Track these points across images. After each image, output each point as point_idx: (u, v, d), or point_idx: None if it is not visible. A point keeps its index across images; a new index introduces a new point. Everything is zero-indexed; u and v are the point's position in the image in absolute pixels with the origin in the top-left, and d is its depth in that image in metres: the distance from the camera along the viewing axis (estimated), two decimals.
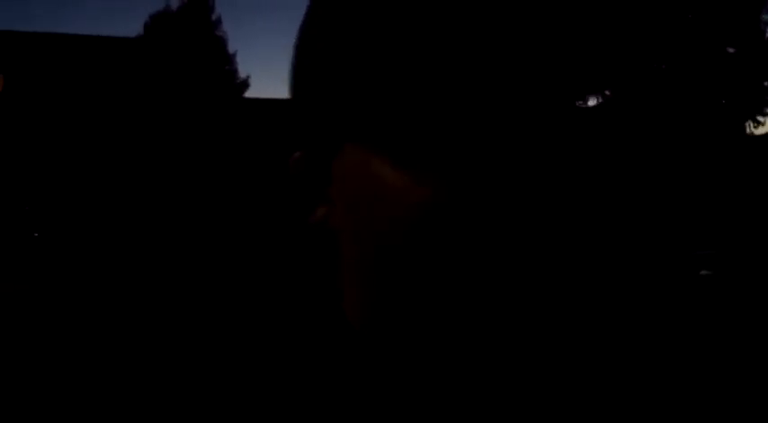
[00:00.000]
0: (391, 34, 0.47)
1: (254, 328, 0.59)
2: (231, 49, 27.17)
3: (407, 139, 0.46)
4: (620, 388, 0.55)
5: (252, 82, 26.90)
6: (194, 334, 0.60)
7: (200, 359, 0.57)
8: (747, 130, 24.51)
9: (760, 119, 24.43)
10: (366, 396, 0.52)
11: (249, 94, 26.84)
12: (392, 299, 0.51)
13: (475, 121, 0.46)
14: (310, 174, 0.53)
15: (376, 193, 0.48)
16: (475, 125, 0.45)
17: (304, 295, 0.60)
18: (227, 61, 26.08)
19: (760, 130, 24.65)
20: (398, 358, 0.52)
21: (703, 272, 13.05)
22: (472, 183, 0.46)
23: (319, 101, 0.52)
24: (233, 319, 0.61)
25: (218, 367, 0.56)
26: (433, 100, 0.46)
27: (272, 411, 0.53)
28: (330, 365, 0.54)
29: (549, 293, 0.50)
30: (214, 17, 26.08)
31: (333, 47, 0.50)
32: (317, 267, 0.60)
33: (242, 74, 27.29)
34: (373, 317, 0.53)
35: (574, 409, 0.53)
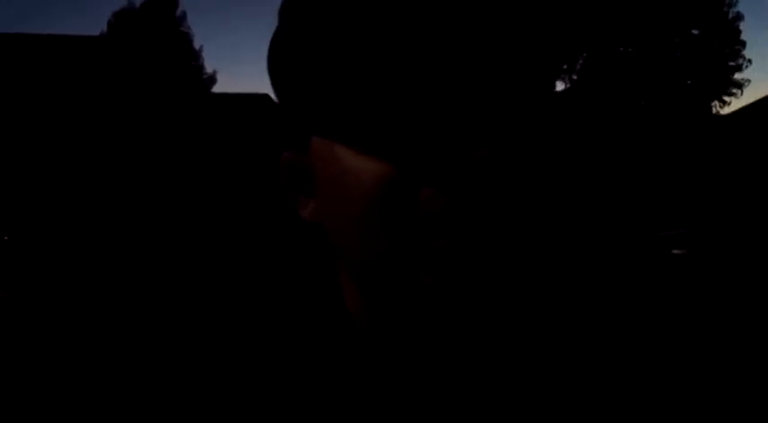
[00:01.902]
0: (341, 32, 0.49)
1: (259, 326, 0.60)
2: (197, 44, 27.04)
3: (361, 125, 0.48)
4: (601, 377, 0.55)
5: (219, 77, 26.77)
6: (196, 335, 0.60)
7: (204, 360, 0.57)
8: (714, 111, 24.86)
9: (726, 99, 24.79)
10: (372, 392, 0.53)
11: (216, 88, 26.72)
12: (379, 287, 0.52)
13: (419, 100, 0.47)
14: (297, 169, 0.55)
15: (338, 175, 0.50)
16: (420, 104, 0.47)
17: (309, 292, 0.61)
18: (193, 57, 25.96)
19: (726, 110, 25.00)
20: (403, 355, 0.53)
21: (676, 251, 13.22)
22: (421, 159, 0.47)
23: (289, 99, 0.54)
24: (237, 319, 0.61)
25: (224, 367, 0.57)
26: (379, 87, 0.47)
27: (279, 409, 0.54)
28: (336, 363, 0.55)
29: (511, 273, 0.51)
30: (178, 13, 25.95)
31: (294, 47, 0.52)
32: (318, 264, 0.61)
33: (209, 69, 27.18)
34: (371, 312, 0.54)
35: (568, 405, 0.53)
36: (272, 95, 0.58)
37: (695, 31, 24.22)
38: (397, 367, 0.53)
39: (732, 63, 24.57)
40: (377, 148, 0.48)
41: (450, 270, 0.48)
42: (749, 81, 25.11)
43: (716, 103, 24.82)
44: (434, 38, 0.47)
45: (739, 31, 24.53)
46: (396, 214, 0.48)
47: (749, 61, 24.64)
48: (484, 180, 0.46)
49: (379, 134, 0.48)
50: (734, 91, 24.81)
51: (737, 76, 24.75)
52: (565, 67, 24.42)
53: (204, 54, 26.23)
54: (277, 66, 0.55)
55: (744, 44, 24.56)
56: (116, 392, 0.56)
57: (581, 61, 24.13)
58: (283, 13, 0.55)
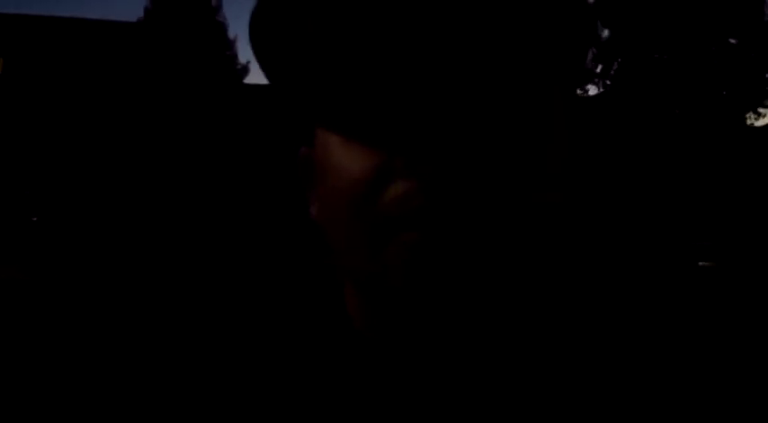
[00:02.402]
0: (334, 31, 0.48)
1: (259, 328, 0.59)
2: (231, 34, 27.09)
3: (353, 118, 0.47)
4: (620, 387, 0.54)
5: (252, 67, 26.80)
6: (198, 332, 0.59)
7: (205, 361, 0.57)
8: (748, 122, 24.50)
9: (761, 110, 24.42)
10: (370, 395, 0.52)
11: (249, 79, 26.77)
12: (367, 291, 0.51)
13: (408, 99, 0.45)
14: (309, 166, 0.54)
15: (330, 168, 0.49)
16: (408, 94, 0.45)
17: (312, 294, 0.60)
18: (227, 47, 25.99)
19: (761, 122, 24.64)
20: (399, 358, 0.52)
21: (702, 263, 13.07)
22: (405, 151, 0.46)
23: (290, 91, 0.52)
24: (238, 320, 0.60)
25: (224, 369, 0.56)
26: (367, 74, 0.46)
27: (276, 410, 0.53)
28: (333, 367, 0.54)
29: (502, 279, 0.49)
30: (214, 2, 25.97)
31: (282, 31, 0.51)
32: (321, 265, 0.59)
33: (242, 59, 27.20)
34: (365, 314, 0.54)
35: (572, 408, 0.52)
36: None
37: (732, 40, 23.89)
38: (393, 371, 0.52)
39: None
40: (369, 140, 0.47)
41: (422, 267, 0.46)
42: None
43: (750, 114, 24.47)
44: (425, 35, 0.46)
45: None
46: (373, 213, 0.47)
47: None
48: (467, 178, 0.45)
49: (365, 122, 0.47)
50: None
51: None
52: (598, 70, 24.20)
53: (238, 44, 26.19)
54: (264, 49, 0.53)
55: None
56: (115, 390, 0.55)
57: (615, 66, 23.90)
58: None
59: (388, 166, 0.46)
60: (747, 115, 24.39)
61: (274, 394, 0.53)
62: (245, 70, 26.45)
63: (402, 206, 0.46)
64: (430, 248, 0.46)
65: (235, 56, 26.28)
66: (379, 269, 0.48)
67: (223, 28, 26.13)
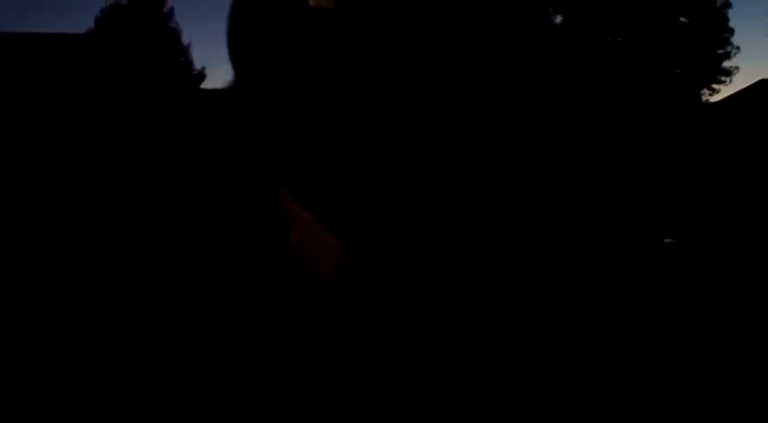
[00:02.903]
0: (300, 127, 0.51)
1: (248, 323, 0.61)
2: (185, 40, 26.92)
3: (319, 201, 0.51)
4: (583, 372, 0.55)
5: (208, 72, 26.65)
6: (191, 331, 0.61)
7: (199, 356, 0.59)
8: (703, 99, 24.91)
9: (715, 87, 24.84)
10: (361, 396, 0.54)
11: (205, 85, 26.63)
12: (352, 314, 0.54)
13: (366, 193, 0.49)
14: (277, 201, 0.57)
15: (305, 236, 0.53)
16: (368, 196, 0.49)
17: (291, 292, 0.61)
18: (181, 53, 25.84)
19: (715, 98, 25.06)
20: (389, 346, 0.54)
21: (666, 240, 13.27)
22: (371, 242, 0.49)
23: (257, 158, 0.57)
24: (228, 316, 0.62)
25: (218, 363, 0.58)
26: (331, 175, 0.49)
27: (267, 405, 0.55)
28: (321, 362, 0.56)
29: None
30: (166, 9, 25.81)
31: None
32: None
33: (197, 65, 27.04)
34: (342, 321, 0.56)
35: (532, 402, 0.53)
36: None
37: (683, 19, 24.25)
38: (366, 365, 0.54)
39: (720, 51, 24.62)
40: (332, 228, 0.50)
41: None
42: (738, 68, 25.18)
43: (705, 91, 24.88)
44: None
45: (727, 19, 24.57)
46: (354, 287, 0.51)
47: (737, 48, 24.71)
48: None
49: (332, 215, 0.50)
50: (723, 79, 24.87)
51: (726, 63, 24.82)
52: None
53: (193, 50, 26.06)
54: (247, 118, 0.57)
55: (732, 31, 24.62)
56: (113, 388, 0.56)
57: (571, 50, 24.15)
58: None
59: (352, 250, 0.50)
60: (702, 92, 24.80)
61: (263, 387, 0.55)
62: (201, 76, 26.32)
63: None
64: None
65: (190, 62, 26.14)
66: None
67: (176, 35, 25.98)
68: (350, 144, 0.48)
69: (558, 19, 24.12)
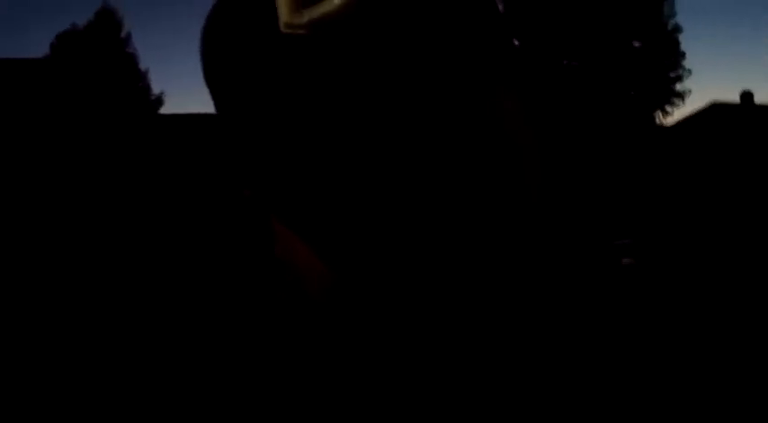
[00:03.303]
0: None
1: (243, 325, 0.62)
2: (143, 66, 26.76)
3: (307, 226, 0.51)
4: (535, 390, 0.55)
5: (166, 98, 26.48)
6: (189, 331, 0.62)
7: (196, 356, 0.59)
8: (657, 121, 25.38)
9: (668, 109, 25.34)
10: (359, 391, 0.54)
11: (164, 110, 26.44)
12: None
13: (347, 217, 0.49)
14: (260, 214, 0.57)
15: (293, 257, 0.54)
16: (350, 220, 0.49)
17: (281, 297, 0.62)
18: (139, 78, 25.66)
19: (669, 120, 25.56)
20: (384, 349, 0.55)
21: (626, 260, 13.42)
22: (358, 263, 0.50)
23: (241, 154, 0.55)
24: (222, 317, 0.63)
25: (213, 363, 0.58)
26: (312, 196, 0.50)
27: (265, 405, 0.54)
28: (317, 365, 0.56)
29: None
30: (123, 34, 25.64)
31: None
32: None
33: (155, 90, 26.85)
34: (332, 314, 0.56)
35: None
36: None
37: (636, 44, 24.74)
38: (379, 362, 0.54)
39: (673, 74, 25.15)
40: (319, 254, 0.51)
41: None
42: (690, 91, 25.74)
43: (659, 113, 25.37)
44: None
45: (678, 43, 25.14)
46: (342, 312, 0.52)
47: (689, 71, 25.27)
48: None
49: (319, 240, 0.50)
50: (676, 101, 25.39)
51: (679, 86, 25.35)
52: None
53: (151, 76, 25.88)
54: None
55: (683, 55, 25.19)
56: (114, 389, 0.55)
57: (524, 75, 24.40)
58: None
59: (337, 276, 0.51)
60: (656, 114, 25.28)
61: (260, 387, 0.55)
62: (159, 101, 26.14)
63: None
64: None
65: (148, 87, 25.96)
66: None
67: (134, 59, 25.79)
68: (330, 161, 0.49)
69: (516, 43, 24.39)
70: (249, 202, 0.55)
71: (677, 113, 25.89)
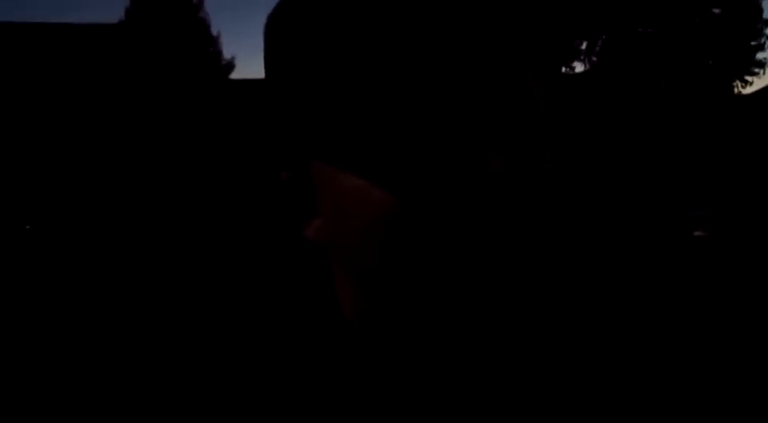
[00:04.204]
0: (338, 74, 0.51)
1: (252, 324, 0.61)
2: (214, 30, 27.06)
3: (362, 157, 0.50)
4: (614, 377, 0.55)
5: (237, 63, 26.76)
6: (191, 329, 0.62)
7: (197, 355, 0.59)
8: (736, 90, 24.58)
9: (748, 78, 24.51)
10: (363, 391, 0.54)
11: (235, 75, 26.72)
12: (379, 302, 0.54)
13: (415, 143, 0.49)
14: (297, 190, 0.57)
15: (341, 200, 0.52)
16: (415, 146, 0.49)
17: (302, 291, 0.63)
18: (210, 43, 25.95)
19: (748, 90, 24.72)
20: (395, 354, 0.55)
21: (698, 233, 13.12)
22: (418, 192, 0.49)
23: (288, 125, 0.56)
24: (230, 315, 0.62)
25: (215, 362, 0.58)
26: (376, 126, 0.50)
27: (270, 406, 0.54)
28: (329, 361, 0.56)
29: (522, 285, 0.52)
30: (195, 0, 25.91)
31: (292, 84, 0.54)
32: (312, 268, 0.63)
33: (227, 55, 27.13)
34: (366, 317, 0.56)
35: (564, 404, 0.53)
36: None
37: (716, 10, 23.93)
38: (387, 366, 0.55)
39: (754, 42, 24.28)
40: (378, 181, 0.50)
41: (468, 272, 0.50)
42: None
43: (738, 82, 24.55)
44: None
45: (761, 10, 24.21)
46: (398, 236, 0.50)
47: None
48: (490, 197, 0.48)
49: (377, 168, 0.50)
50: (756, 70, 24.53)
51: (759, 55, 24.48)
52: (583, 47, 24.21)
53: (222, 40, 26.13)
54: (277, 90, 0.57)
55: (766, 23, 24.26)
56: (112, 388, 0.57)
57: (600, 43, 23.92)
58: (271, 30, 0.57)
59: (396, 200, 0.50)
60: (735, 84, 24.47)
61: (268, 387, 0.56)
62: (230, 66, 26.41)
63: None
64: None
65: (219, 52, 26.24)
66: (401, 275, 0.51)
67: (205, 25, 26.07)
68: (384, 101, 0.49)
69: (590, 13, 23.89)
70: (287, 185, 0.57)
71: (757, 83, 25.03)
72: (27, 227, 21.35)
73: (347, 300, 0.57)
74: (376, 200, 0.49)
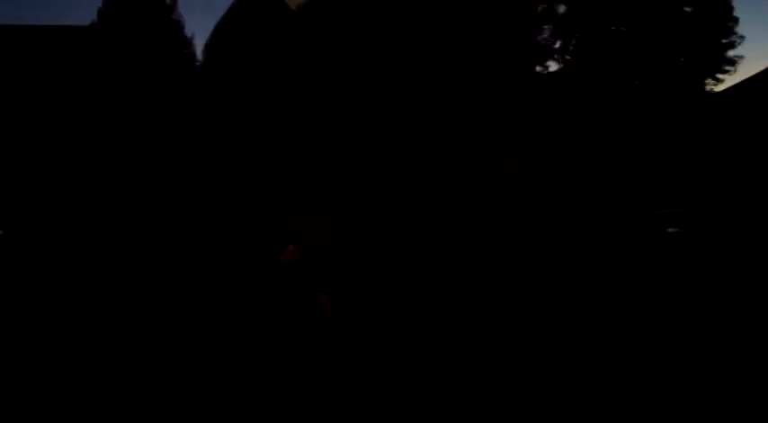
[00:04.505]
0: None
1: (240, 325, 0.64)
2: (188, 32, 26.92)
3: (315, 203, 0.55)
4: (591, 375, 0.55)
5: None
6: (183, 332, 0.62)
7: (190, 357, 0.60)
8: (707, 88, 24.82)
9: (719, 76, 24.76)
10: (347, 387, 0.56)
11: None
12: (351, 308, 0.57)
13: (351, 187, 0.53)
14: (262, 223, 0.61)
15: (310, 240, 0.57)
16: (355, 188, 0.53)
17: (284, 293, 0.66)
18: (185, 45, 25.80)
19: (720, 87, 24.96)
20: (376, 350, 0.57)
21: (671, 229, 13.24)
22: (360, 225, 0.53)
23: (258, 180, 0.60)
24: (221, 318, 0.66)
25: (207, 364, 0.60)
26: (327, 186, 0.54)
27: (258, 405, 0.57)
28: (312, 359, 0.59)
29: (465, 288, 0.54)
30: (168, 1, 25.76)
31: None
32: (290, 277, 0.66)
33: (200, 57, 26.99)
34: (345, 320, 0.59)
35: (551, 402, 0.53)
36: None
37: (687, 9, 24.15)
38: (369, 362, 0.56)
39: (725, 40, 24.53)
40: (336, 222, 0.54)
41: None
42: (742, 57, 25.12)
43: (709, 80, 24.79)
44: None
45: (732, 8, 24.47)
46: (358, 258, 0.54)
47: (742, 38, 24.62)
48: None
49: (335, 211, 0.54)
50: (727, 68, 24.79)
51: (731, 53, 24.74)
52: (557, 46, 24.34)
53: (196, 42, 25.98)
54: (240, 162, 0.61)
55: (736, 20, 24.53)
56: (111, 386, 0.57)
57: (574, 41, 24.06)
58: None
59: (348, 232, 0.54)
60: (706, 82, 24.71)
61: (257, 386, 0.58)
62: None
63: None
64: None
65: (193, 54, 26.09)
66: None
67: (179, 26, 25.92)
68: (336, 140, 0.52)
69: (562, 9, 24.03)
70: (251, 215, 0.60)
71: (729, 80, 25.30)
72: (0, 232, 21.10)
73: (328, 306, 0.60)
74: (333, 235, 0.54)
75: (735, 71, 25.14)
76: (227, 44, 0.57)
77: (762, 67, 25.44)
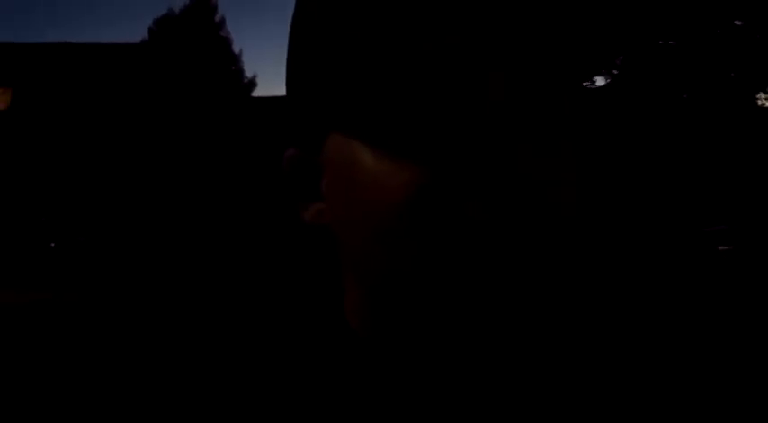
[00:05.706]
0: (369, 30, 0.45)
1: (256, 330, 0.58)
2: (236, 48, 27.23)
3: (386, 127, 0.45)
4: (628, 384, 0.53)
5: (259, 81, 26.86)
6: (200, 339, 0.59)
7: (203, 364, 0.56)
8: (759, 103, 24.30)
9: None
10: (367, 400, 0.51)
11: (257, 93, 26.87)
12: (389, 297, 0.49)
13: (449, 110, 0.43)
14: (302, 169, 0.52)
15: (359, 179, 0.46)
16: (449, 114, 0.43)
17: (306, 297, 0.59)
18: (233, 61, 26.12)
19: None
20: (399, 360, 0.51)
21: (721, 247, 12.98)
22: (451, 166, 0.43)
23: (305, 94, 0.50)
24: (236, 323, 0.59)
25: (219, 369, 0.55)
26: (409, 90, 0.44)
27: (273, 414, 0.52)
28: (331, 370, 0.53)
29: (544, 285, 0.46)
30: (217, 18, 26.13)
31: (316, 43, 0.49)
32: (318, 268, 0.60)
33: (248, 73, 27.33)
34: (373, 320, 0.52)
35: (575, 409, 0.51)
36: None
37: (738, 22, 23.71)
38: (391, 373, 0.51)
39: None
40: (409, 153, 0.44)
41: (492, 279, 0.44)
42: None
43: (761, 94, 24.28)
44: (470, 29, 0.43)
45: None
46: (425, 227, 0.44)
47: None
48: (535, 189, 0.43)
49: (411, 137, 0.44)
50: None
51: None
52: (605, 61, 24.08)
53: (244, 58, 26.23)
54: (297, 53, 0.51)
55: None
56: (117, 393, 0.55)
57: (621, 56, 23.78)
58: (304, 9, 0.51)
59: (430, 179, 0.44)
60: (758, 96, 24.21)
61: (268, 394, 0.53)
62: (252, 84, 26.56)
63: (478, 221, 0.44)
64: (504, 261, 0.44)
65: (241, 70, 26.40)
66: (414, 270, 0.45)
67: (227, 43, 26.26)
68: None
69: (608, 24, 23.78)
70: (291, 162, 0.53)
71: None
72: (52, 244, 21.53)
73: (353, 304, 0.54)
74: (400, 181, 0.44)
75: None
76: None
77: None
